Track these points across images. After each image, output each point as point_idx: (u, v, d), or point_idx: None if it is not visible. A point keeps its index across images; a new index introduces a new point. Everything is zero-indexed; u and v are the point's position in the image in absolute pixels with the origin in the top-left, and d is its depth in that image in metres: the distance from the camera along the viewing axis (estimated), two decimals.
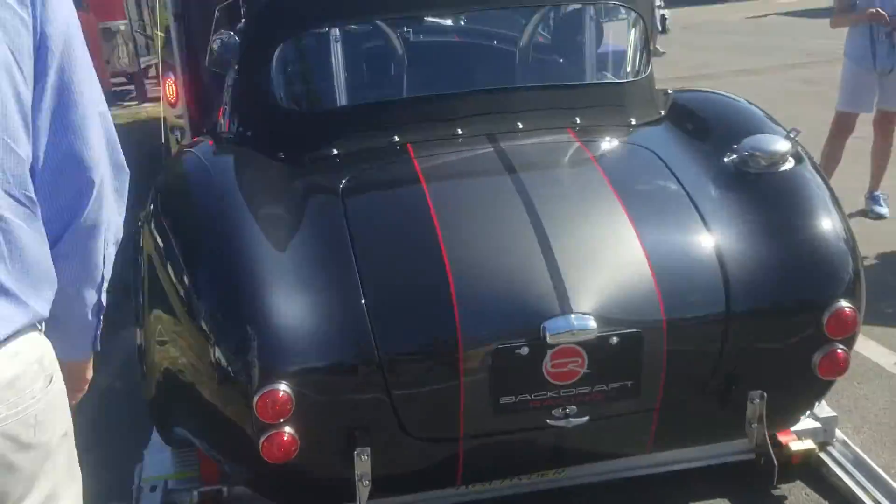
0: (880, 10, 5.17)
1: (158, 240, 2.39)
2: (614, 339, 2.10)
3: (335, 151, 2.65)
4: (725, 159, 2.53)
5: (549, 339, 2.04)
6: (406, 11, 2.89)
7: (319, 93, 3.03)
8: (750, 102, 2.94)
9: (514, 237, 2.24)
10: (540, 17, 3.13)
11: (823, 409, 2.87)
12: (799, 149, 2.63)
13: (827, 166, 5.66)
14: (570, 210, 2.35)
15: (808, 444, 2.77)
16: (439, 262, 2.17)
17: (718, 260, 2.26)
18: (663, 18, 12.25)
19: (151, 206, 2.51)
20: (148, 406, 2.50)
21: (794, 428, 2.75)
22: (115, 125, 1.50)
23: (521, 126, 2.71)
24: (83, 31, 1.40)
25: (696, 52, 15.03)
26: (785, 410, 2.41)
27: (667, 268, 2.22)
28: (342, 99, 2.82)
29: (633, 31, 3.06)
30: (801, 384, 2.33)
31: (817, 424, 2.81)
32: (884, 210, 5.64)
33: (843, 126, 5.59)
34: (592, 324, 2.06)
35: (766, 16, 20.93)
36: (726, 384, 2.26)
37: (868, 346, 3.91)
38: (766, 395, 2.23)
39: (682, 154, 2.64)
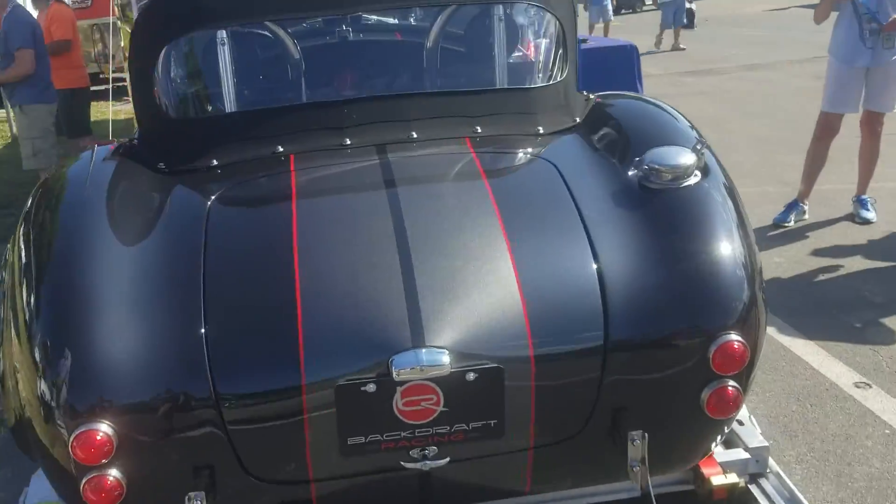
0: None
1: (21, 252, 2.23)
2: (471, 376, 1.91)
3: (215, 162, 2.47)
4: (630, 173, 2.32)
5: (396, 376, 1.86)
6: (296, 12, 2.68)
7: (204, 99, 2.86)
8: (672, 109, 2.72)
9: (375, 262, 2.04)
10: (446, 18, 2.91)
11: (755, 437, 2.65)
12: (709, 161, 2.41)
13: (811, 168, 5.43)
14: (443, 231, 2.15)
15: (733, 478, 2.54)
16: (290, 287, 1.99)
17: (600, 286, 2.05)
18: (691, 12, 11.97)
19: (23, 214, 2.36)
20: (10, 432, 2.35)
21: (720, 459, 2.54)
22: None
23: (415, 136, 2.51)
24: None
25: (709, 46, 14.76)
26: (673, 452, 2.19)
27: (540, 295, 2.02)
28: (227, 106, 2.63)
29: (545, 32, 2.85)
30: (689, 424, 2.11)
31: (746, 455, 2.58)
32: (871, 215, 5.37)
33: (827, 127, 5.33)
34: (445, 358, 1.87)
35: (787, 8, 20.50)
36: (607, 422, 2.05)
37: (828, 365, 3.69)
38: (647, 434, 2.03)
39: (586, 167, 2.43)
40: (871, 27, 4.97)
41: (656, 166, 2.28)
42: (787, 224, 5.39)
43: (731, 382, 2.03)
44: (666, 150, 2.32)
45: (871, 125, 5.30)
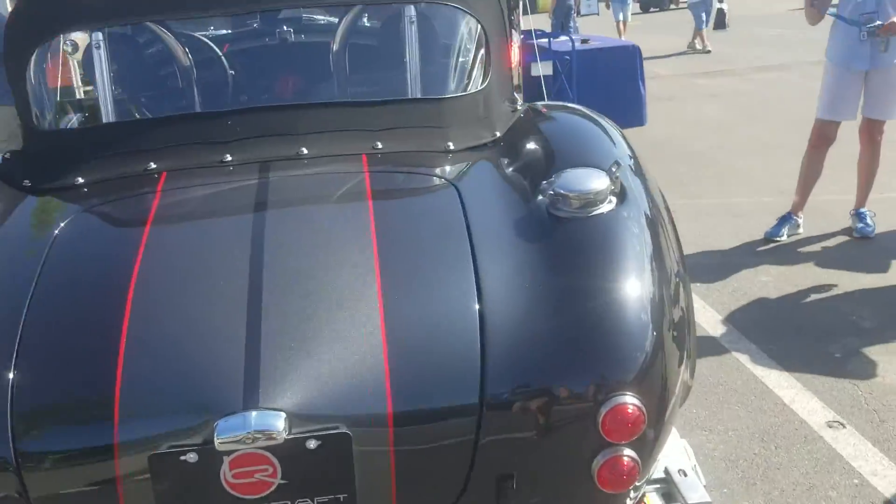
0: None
1: None
2: (313, 443, 1.63)
3: (80, 180, 2.22)
4: (539, 199, 2.03)
5: (218, 445, 1.58)
6: (180, 12, 2.40)
7: (75, 108, 2.60)
8: (607, 125, 2.43)
9: (218, 303, 1.77)
10: (351, 21, 2.63)
11: (697, 491, 2.34)
12: (633, 184, 2.11)
13: (806, 179, 5.10)
14: (306, 266, 1.86)
15: None
16: (116, 331, 1.72)
17: (481, 334, 1.76)
18: (721, 13, 11.58)
19: None
20: None
21: None
22: None
23: (305, 152, 2.23)
24: None
25: (727, 46, 14.30)
26: None
27: (408, 345, 1.73)
28: (102, 117, 2.37)
29: (464, 36, 2.56)
30: (580, 497, 1.81)
31: None
32: (869, 229, 5.02)
33: (822, 136, 4.99)
34: (280, 423, 1.59)
35: None
36: (488, 492, 1.76)
37: (801, 400, 3.36)
38: None
39: (493, 191, 2.15)
40: (869, 28, 4.62)
41: (562, 192, 1.99)
42: (779, 239, 5.05)
43: (627, 452, 1.72)
44: (576, 174, 2.03)
45: (871, 133, 4.95)
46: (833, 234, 5.13)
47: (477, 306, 1.81)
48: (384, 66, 2.75)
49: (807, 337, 3.86)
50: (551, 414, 1.73)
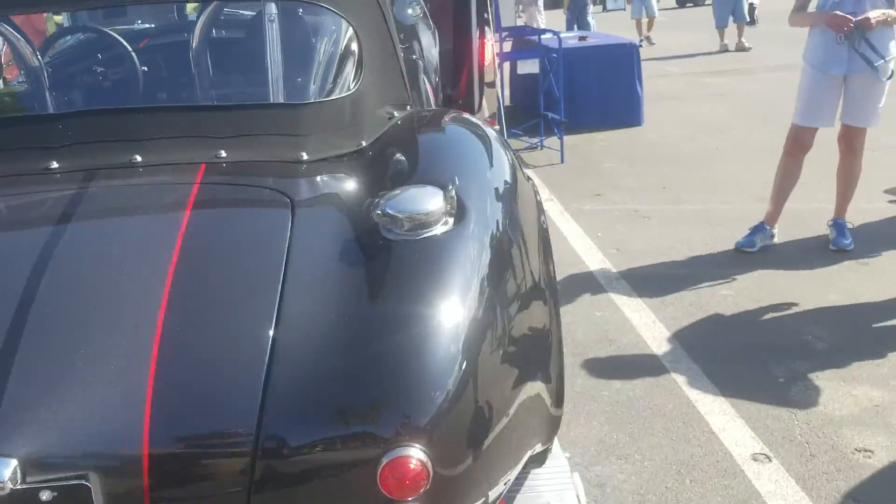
0: (841, 14, 4.30)
1: None
2: (47, 495, 1.46)
3: None
4: (375, 219, 1.84)
5: None
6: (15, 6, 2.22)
7: None
8: (483, 136, 2.23)
9: None
10: (209, 18, 2.44)
11: None
12: (476, 205, 1.91)
13: (780, 187, 4.85)
14: (88, 291, 1.69)
15: None
16: None
17: (267, 373, 1.57)
18: (752, 7, 11.15)
19: None
20: None
21: None
22: None
23: (139, 160, 2.06)
24: None
25: (747, 43, 13.86)
26: None
27: (180, 382, 1.56)
28: None
29: (331, 37, 2.36)
30: None
31: None
32: (846, 241, 4.74)
33: (797, 142, 4.73)
34: (7, 472, 1.42)
35: None
36: None
37: (731, 428, 3.14)
38: None
39: (332, 209, 1.97)
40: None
41: (391, 212, 1.80)
42: (749, 250, 4.80)
43: None
44: (409, 193, 1.85)
45: (850, 141, 4.67)
46: (808, 246, 4.86)
47: (270, 339, 1.62)
48: (241, 67, 2.56)
49: (754, 358, 3.63)
50: (331, 464, 1.54)
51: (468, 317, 1.66)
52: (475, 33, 5.57)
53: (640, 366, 3.63)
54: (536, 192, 2.37)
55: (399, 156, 2.16)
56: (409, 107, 2.49)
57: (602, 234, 5.30)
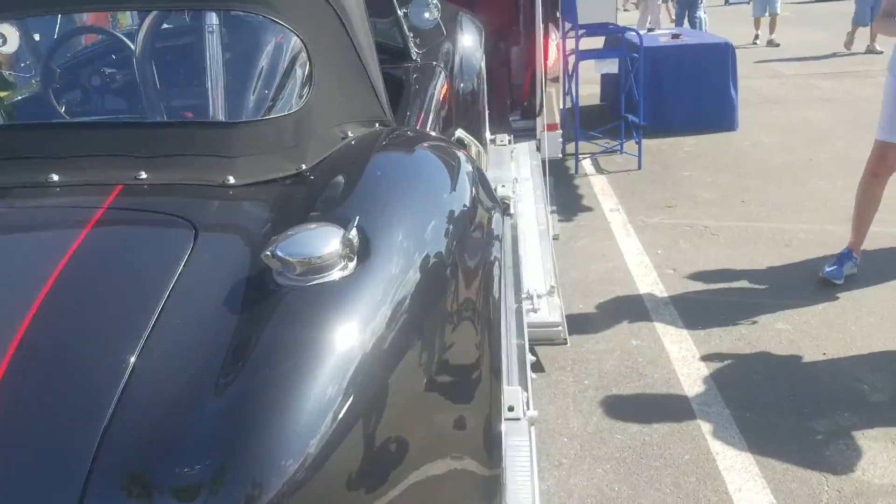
0: None
1: None
2: None
3: None
4: (265, 261, 1.64)
5: None
6: None
7: None
8: (454, 160, 2.00)
9: None
10: (151, 27, 2.26)
11: None
12: (385, 246, 1.68)
13: (861, 211, 4.36)
14: None
15: None
16: None
17: (105, 429, 1.39)
18: None
19: None
20: None
21: None
22: None
23: (55, 179, 1.92)
24: None
25: (880, 44, 12.92)
26: None
27: (12, 420, 1.40)
28: None
29: (278, 51, 2.15)
30: None
31: None
32: None
33: (883, 161, 4.23)
34: None
35: None
36: None
37: (749, 490, 2.80)
38: None
39: (240, 244, 1.77)
40: None
41: (281, 255, 1.59)
42: (838, 281, 4.29)
43: None
44: (303, 235, 1.64)
45: None
46: (889, 278, 4.37)
47: (120, 387, 1.44)
48: (175, 82, 2.38)
49: (795, 407, 3.25)
50: None
51: (354, 371, 1.44)
52: (540, 34, 5.29)
53: (665, 407, 3.31)
54: (500, 221, 2.13)
55: (333, 183, 1.95)
56: (378, 124, 2.27)
57: (662, 252, 4.93)
